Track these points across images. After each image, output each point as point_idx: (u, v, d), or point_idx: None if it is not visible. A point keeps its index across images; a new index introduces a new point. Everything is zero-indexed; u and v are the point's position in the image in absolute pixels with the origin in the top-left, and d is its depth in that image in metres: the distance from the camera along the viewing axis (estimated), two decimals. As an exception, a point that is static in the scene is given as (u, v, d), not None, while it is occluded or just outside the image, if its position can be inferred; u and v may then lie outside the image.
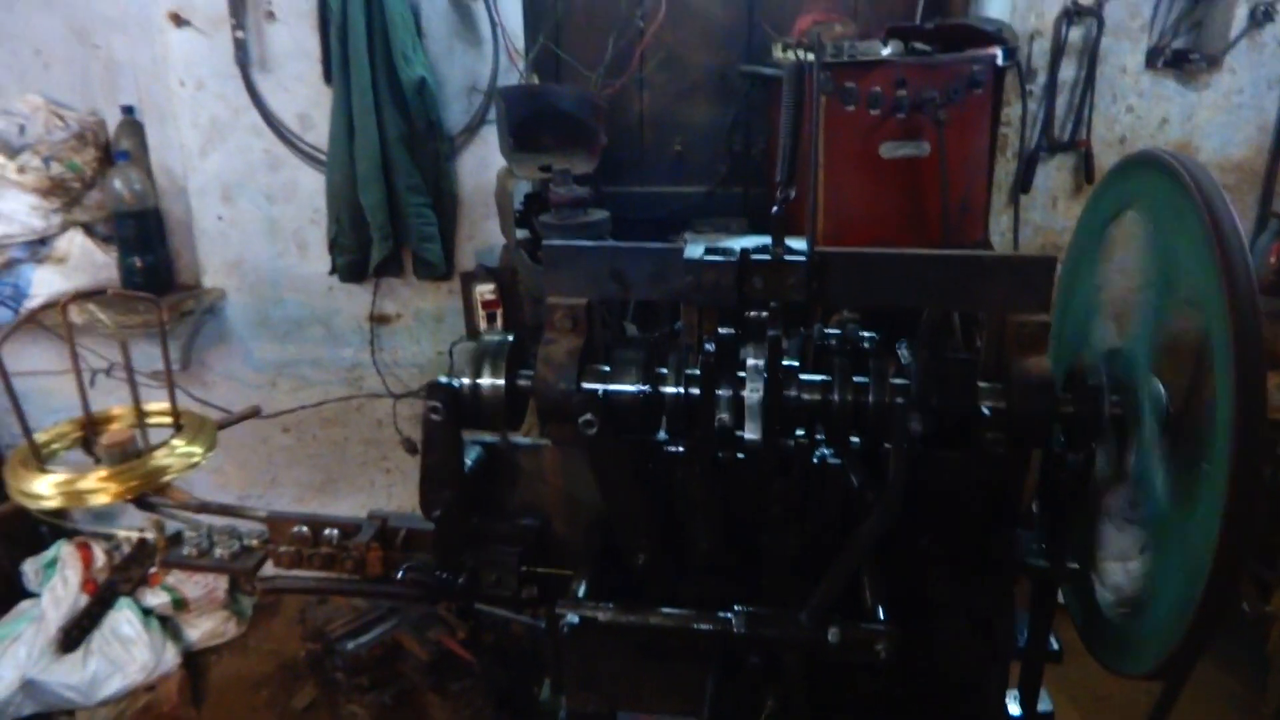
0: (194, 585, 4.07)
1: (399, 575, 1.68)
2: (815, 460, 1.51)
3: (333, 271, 3.83)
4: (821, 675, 1.54)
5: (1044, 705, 1.69)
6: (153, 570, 4.03)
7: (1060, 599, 1.63)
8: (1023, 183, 3.81)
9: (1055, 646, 1.60)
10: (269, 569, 1.80)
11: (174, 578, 4.01)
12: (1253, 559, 3.70)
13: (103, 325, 3.61)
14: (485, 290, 3.55)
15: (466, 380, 1.54)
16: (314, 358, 4.11)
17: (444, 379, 1.53)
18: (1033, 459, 1.51)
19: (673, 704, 1.75)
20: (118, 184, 3.57)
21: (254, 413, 2.53)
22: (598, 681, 1.77)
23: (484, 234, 3.83)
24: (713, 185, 4.04)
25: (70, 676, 3.60)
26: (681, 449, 1.55)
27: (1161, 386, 1.39)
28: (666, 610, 1.48)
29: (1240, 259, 1.17)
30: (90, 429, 1.89)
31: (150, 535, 4.14)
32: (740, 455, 1.51)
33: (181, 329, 3.89)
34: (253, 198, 3.82)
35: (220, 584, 4.17)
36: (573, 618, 1.45)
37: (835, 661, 1.45)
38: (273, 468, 4.29)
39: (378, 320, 4.03)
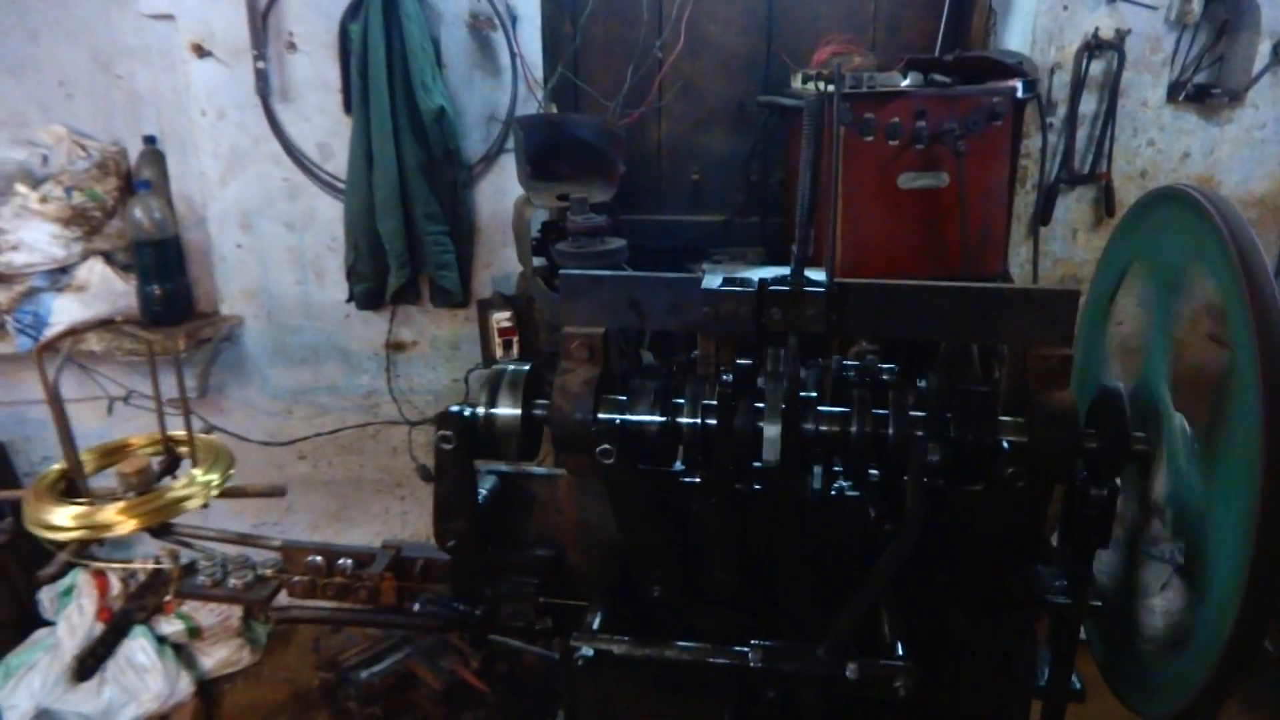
0: (208, 613, 4.06)
1: (415, 607, 1.67)
2: (833, 492, 1.50)
3: (350, 299, 3.85)
4: (839, 711, 1.52)
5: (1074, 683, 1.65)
6: (167, 599, 4.02)
7: (1083, 634, 1.60)
8: (1042, 215, 3.79)
9: (1077, 685, 1.57)
10: (283, 599, 1.80)
11: (188, 606, 4.00)
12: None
13: (120, 353, 3.64)
14: (501, 318, 3.56)
15: (481, 410, 1.53)
16: (330, 385, 4.12)
17: (455, 408, 1.52)
18: (1055, 493, 1.49)
19: (689, 738, 1.73)
20: (138, 213, 3.60)
21: (279, 492, 2.48)
22: (612, 714, 1.75)
23: (501, 262, 3.84)
24: (730, 214, 4.04)
25: (85, 705, 3.59)
26: (698, 480, 1.54)
27: (1185, 421, 1.37)
28: (682, 644, 1.46)
29: (1270, 295, 1.16)
30: (110, 457, 1.91)
31: (165, 564, 4.14)
32: (757, 487, 1.50)
33: (199, 356, 3.91)
34: (271, 226, 3.85)
35: (235, 612, 4.16)
36: (587, 650, 1.43)
37: (853, 697, 1.43)
38: (288, 495, 4.28)
39: (394, 347, 4.04)
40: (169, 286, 3.74)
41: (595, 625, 1.49)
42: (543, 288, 3.22)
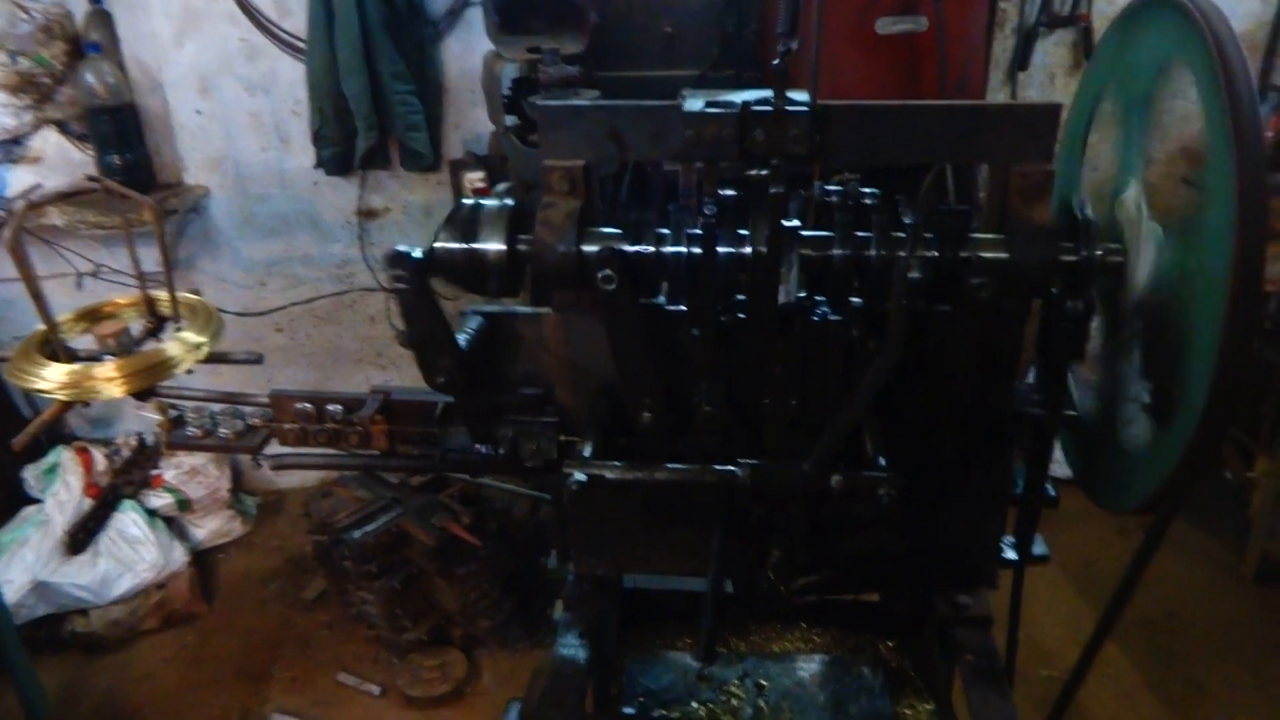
0: (197, 486, 4.11)
1: (439, 456, 1.68)
2: (816, 318, 1.51)
3: (318, 165, 3.76)
4: (824, 525, 1.57)
5: (1039, 549, 1.73)
6: (155, 473, 4.06)
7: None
8: (1021, 59, 3.74)
9: (1051, 493, 1.63)
10: (274, 448, 1.82)
11: (176, 479, 4.05)
12: (1237, 429, 3.78)
13: (84, 226, 3.56)
14: (475, 178, 3.50)
15: (454, 245, 1.50)
16: (303, 255, 4.07)
17: (403, 248, 1.49)
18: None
19: (679, 564, 1.79)
20: (90, 78, 3.47)
21: (257, 359, 2.45)
22: (604, 545, 1.81)
23: (471, 122, 3.76)
24: (704, 68, 3.94)
25: (80, 577, 3.66)
26: (684, 310, 1.55)
27: (1160, 229, 1.39)
28: (672, 466, 1.50)
29: (1250, 108, 1.16)
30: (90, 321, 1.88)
31: (149, 438, 4.17)
32: (742, 315, 1.51)
33: (166, 230, 3.82)
34: (231, 90, 3.72)
35: (223, 484, 4.23)
36: (580, 476, 1.47)
37: (838, 511, 1.48)
38: (267, 368, 4.23)
39: (365, 215, 3.99)
40: (129, 156, 3.64)
41: (587, 453, 1.52)
42: (516, 145, 3.16)
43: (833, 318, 1.51)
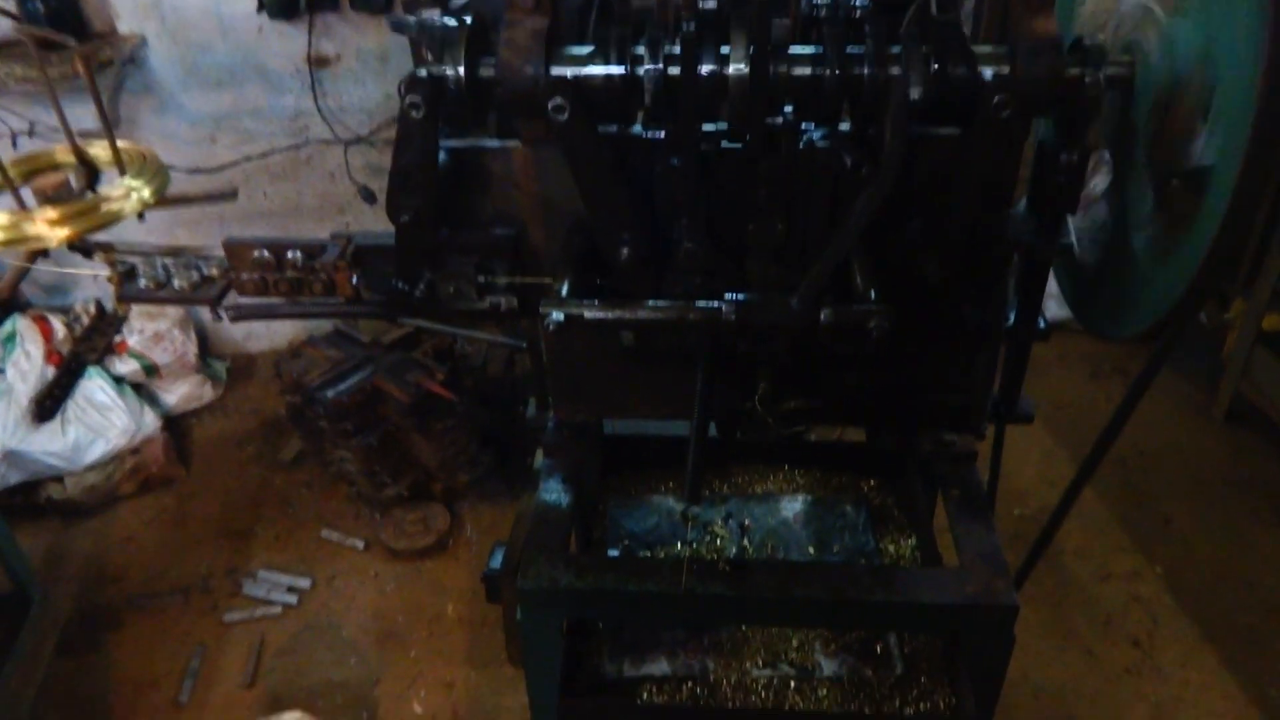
0: (162, 351, 4.02)
1: (352, 282, 1.61)
2: (803, 145, 1.42)
3: (260, 8, 3.52)
4: (811, 363, 1.53)
5: (1026, 407, 1.71)
6: (118, 339, 3.96)
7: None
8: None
9: (1042, 324, 1.59)
10: (234, 299, 1.73)
11: (141, 344, 3.96)
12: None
13: (13, 81, 3.34)
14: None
15: (449, 70, 1.40)
16: (253, 108, 3.86)
17: (422, 71, 1.39)
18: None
19: (661, 408, 1.75)
20: (5, -88, 3.18)
21: (230, 194, 2.34)
22: (583, 391, 1.77)
23: (424, -45, 3.51)
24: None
25: (51, 444, 3.60)
26: (661, 138, 1.45)
27: (1172, 19, 1.30)
28: (654, 304, 1.44)
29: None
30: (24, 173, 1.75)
31: (108, 304, 4.04)
32: (724, 142, 1.42)
33: (102, 83, 3.60)
34: (161, -77, 3.44)
35: (190, 348, 4.14)
36: (557, 315, 1.40)
37: (827, 346, 1.43)
38: (224, 229, 4.13)
39: (317, 63, 3.76)
40: (53, 2, 3.38)
41: (564, 292, 1.45)
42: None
43: (821, 144, 1.42)
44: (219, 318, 1.72)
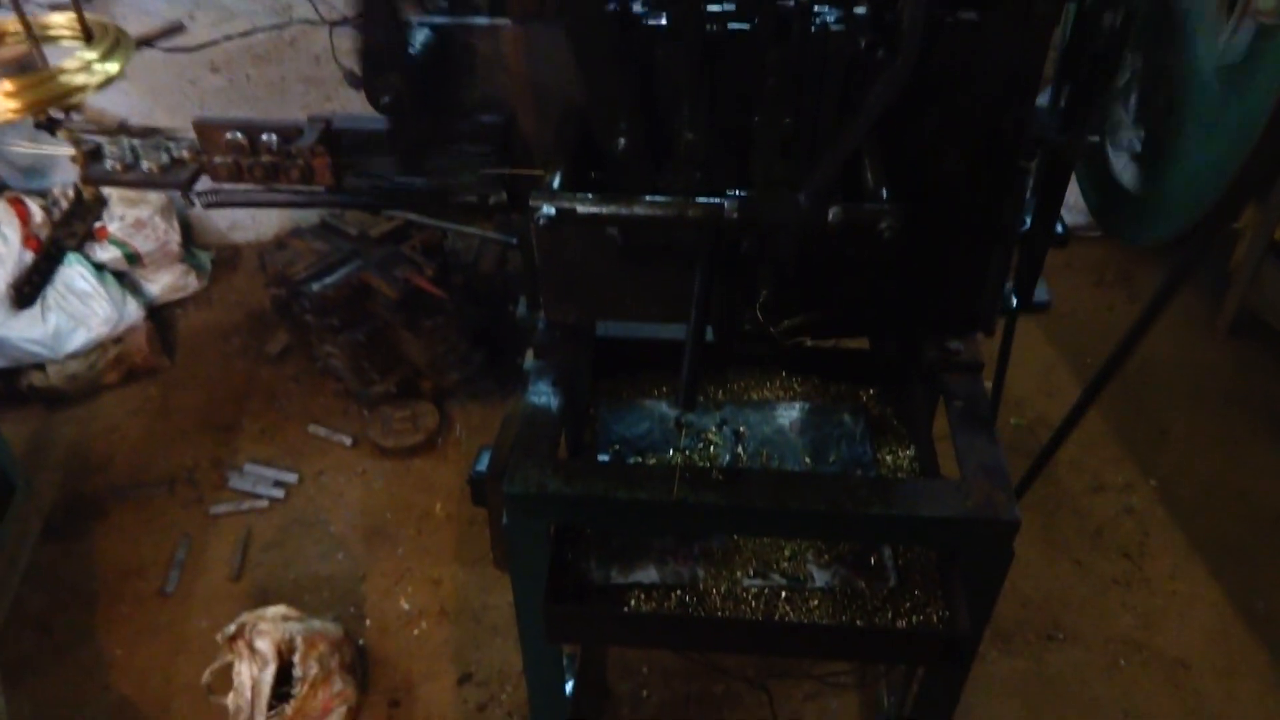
0: (144, 239, 3.91)
1: (345, 176, 1.52)
2: (815, 28, 1.31)
3: None
4: (816, 265, 1.45)
5: (1041, 295, 1.63)
6: (98, 225, 3.85)
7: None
8: None
9: (1060, 229, 1.51)
10: (206, 185, 1.64)
11: (121, 231, 3.84)
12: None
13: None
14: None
15: None
16: (233, -18, 3.67)
17: None
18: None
19: (656, 310, 1.68)
20: None
21: (178, 28, 2.21)
22: (576, 291, 1.69)
23: None
24: None
25: (31, 331, 3.53)
26: (664, 22, 1.34)
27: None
28: (652, 199, 1.35)
29: None
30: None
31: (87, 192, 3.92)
32: (731, 23, 1.31)
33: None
34: None
35: (173, 237, 4.02)
36: (548, 209, 1.31)
37: (833, 248, 1.35)
38: (206, 112, 3.97)
39: (301, -66, 3.55)
40: None
41: (555, 185, 1.36)
42: None
43: (835, 27, 1.31)
44: (191, 203, 1.62)
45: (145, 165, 1.61)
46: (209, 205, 1.62)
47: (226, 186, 1.62)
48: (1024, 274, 1.57)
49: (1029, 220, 1.50)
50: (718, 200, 1.31)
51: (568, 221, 1.33)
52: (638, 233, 1.51)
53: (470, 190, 1.57)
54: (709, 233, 1.37)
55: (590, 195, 1.34)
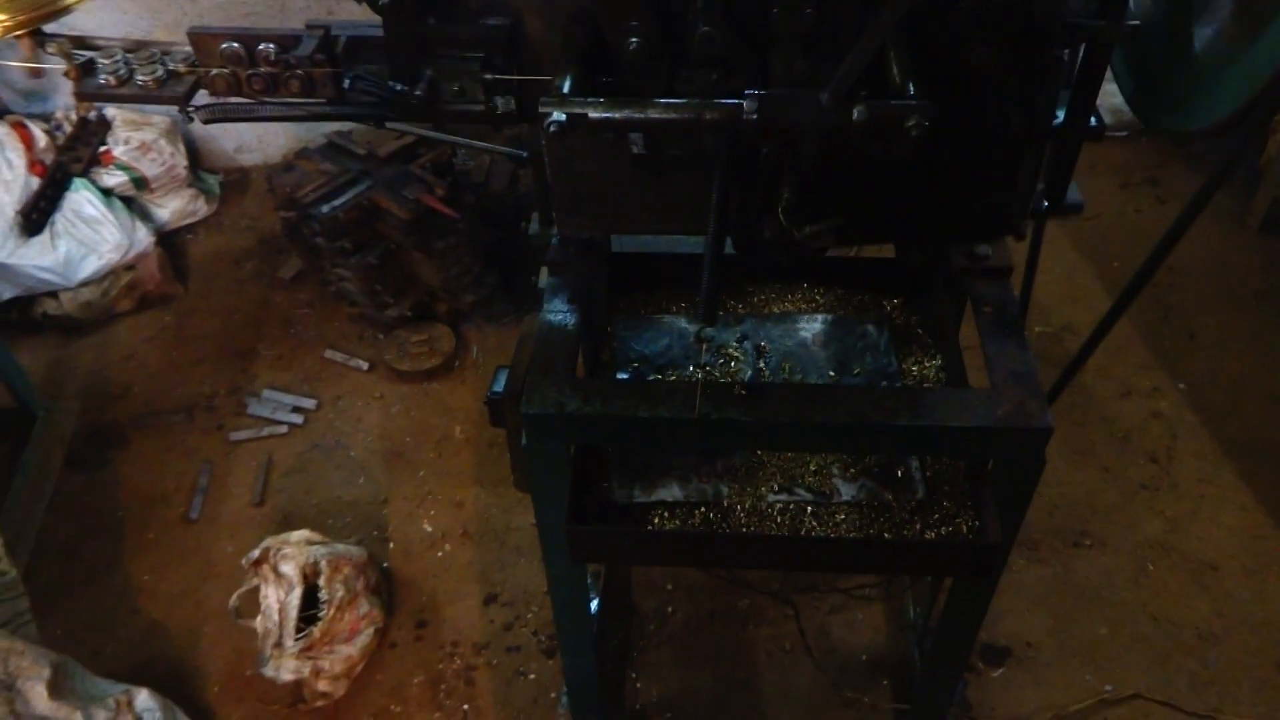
0: (151, 163, 3.85)
1: (345, 86, 1.46)
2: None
3: None
4: (840, 169, 1.38)
5: (1073, 196, 1.56)
6: (103, 149, 3.78)
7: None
8: None
9: (1094, 122, 1.43)
10: (204, 98, 1.58)
11: (127, 155, 3.78)
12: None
13: None
14: None
15: None
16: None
17: None
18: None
19: (672, 222, 1.62)
20: None
21: None
22: (589, 204, 1.62)
23: None
24: None
25: (42, 259, 3.50)
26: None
27: None
28: (666, 101, 1.28)
29: None
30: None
31: (91, 112, 3.84)
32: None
33: None
34: None
35: (179, 160, 3.96)
36: (558, 115, 1.25)
37: (859, 148, 1.28)
38: (201, 17, 3.86)
39: None
40: None
41: (565, 89, 1.29)
42: None
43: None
44: (189, 118, 1.57)
45: (140, 79, 1.55)
46: (208, 120, 1.56)
47: (224, 100, 1.57)
48: (1056, 173, 1.50)
49: (1061, 115, 1.43)
50: (735, 101, 1.24)
51: (579, 128, 1.26)
52: (653, 138, 1.44)
53: (470, 97, 1.50)
54: (727, 136, 1.30)
55: (602, 100, 1.27)
